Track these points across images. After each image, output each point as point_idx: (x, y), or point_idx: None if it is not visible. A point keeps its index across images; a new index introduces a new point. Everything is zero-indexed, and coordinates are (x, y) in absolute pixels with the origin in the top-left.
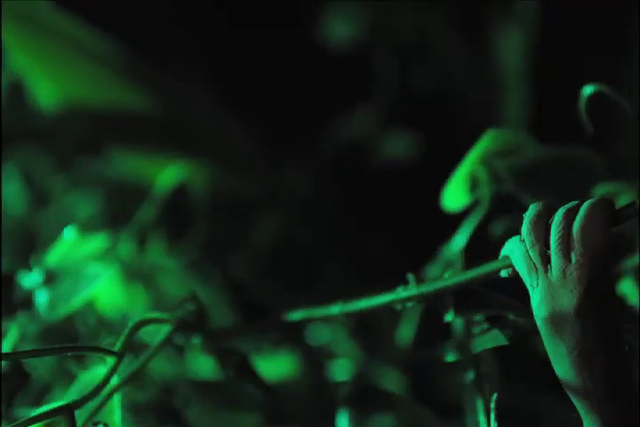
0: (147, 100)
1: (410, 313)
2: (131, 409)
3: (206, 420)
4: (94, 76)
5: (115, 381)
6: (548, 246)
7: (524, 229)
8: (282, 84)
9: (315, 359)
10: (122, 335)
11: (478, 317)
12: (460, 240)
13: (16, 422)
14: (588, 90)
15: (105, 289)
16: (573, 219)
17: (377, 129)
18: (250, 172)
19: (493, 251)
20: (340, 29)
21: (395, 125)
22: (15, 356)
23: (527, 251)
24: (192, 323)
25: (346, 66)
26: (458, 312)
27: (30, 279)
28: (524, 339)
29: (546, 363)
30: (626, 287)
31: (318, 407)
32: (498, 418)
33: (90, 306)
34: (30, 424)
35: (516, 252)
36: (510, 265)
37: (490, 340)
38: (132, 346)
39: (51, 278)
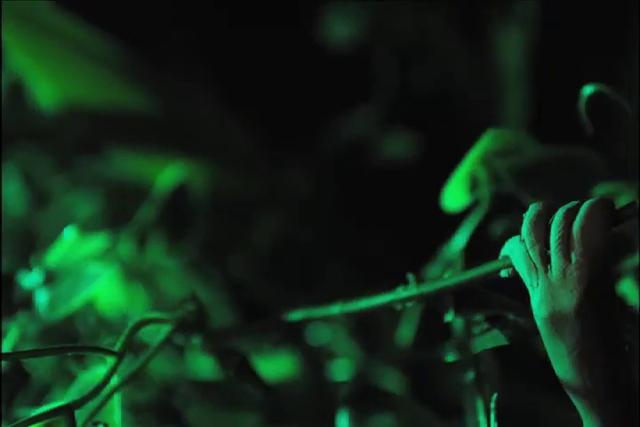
0: (147, 100)
1: (410, 313)
2: (131, 409)
3: (206, 420)
4: (94, 76)
5: (115, 381)
6: (547, 246)
7: (524, 229)
8: (282, 85)
9: (315, 359)
10: (122, 335)
11: (478, 317)
12: (459, 240)
13: (16, 423)
14: (587, 90)
15: (105, 289)
16: (573, 219)
17: (377, 129)
18: (250, 172)
19: (493, 251)
20: (340, 29)
21: (395, 125)
22: (15, 356)
23: (527, 251)
24: (192, 323)
25: (346, 66)
26: (458, 312)
27: (30, 279)
28: (525, 339)
29: (546, 363)
30: (626, 287)
31: (318, 407)
32: (498, 418)
33: (90, 306)
34: (30, 424)
35: (515, 252)
36: (510, 265)
37: (490, 340)
38: (132, 346)
39: (51, 278)
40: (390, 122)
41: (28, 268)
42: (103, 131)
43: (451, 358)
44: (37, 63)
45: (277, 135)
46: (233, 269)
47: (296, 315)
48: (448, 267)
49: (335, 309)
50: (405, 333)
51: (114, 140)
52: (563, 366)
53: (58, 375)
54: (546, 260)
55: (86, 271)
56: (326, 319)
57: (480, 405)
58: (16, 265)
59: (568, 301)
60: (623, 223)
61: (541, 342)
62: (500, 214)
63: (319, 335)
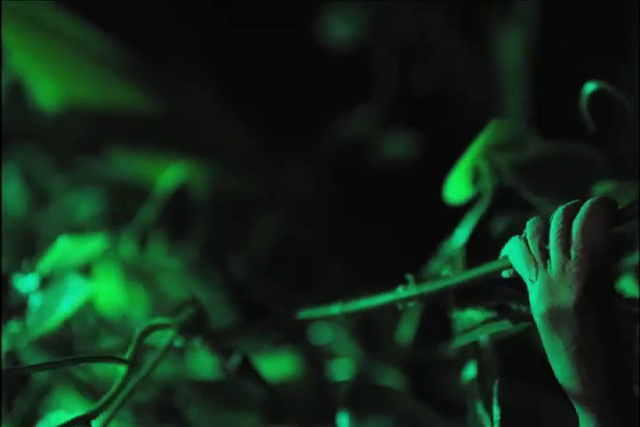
0: (147, 99)
1: (410, 313)
2: (131, 409)
3: (206, 420)
4: (94, 75)
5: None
6: (547, 241)
7: (528, 223)
8: (282, 84)
9: (315, 359)
10: (131, 343)
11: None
12: (461, 235)
13: None
14: (589, 87)
15: (105, 289)
16: (574, 215)
17: (377, 129)
18: (250, 172)
19: (495, 247)
20: (339, 29)
21: (395, 125)
22: (26, 369)
23: (527, 244)
24: (193, 325)
25: (346, 66)
26: (459, 305)
27: (25, 284)
28: (527, 327)
29: (545, 361)
30: (626, 285)
31: (318, 407)
32: (500, 417)
33: (90, 306)
34: None
35: (515, 246)
36: (510, 265)
37: (493, 326)
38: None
39: (45, 284)
40: (390, 122)
41: (24, 271)
42: (103, 131)
43: (457, 343)
44: (38, 63)
45: (277, 135)
46: (233, 269)
47: (296, 315)
48: (449, 263)
49: (335, 309)
50: (405, 332)
51: (114, 140)
52: (560, 362)
53: (57, 377)
54: (545, 254)
55: (71, 284)
56: (327, 319)
57: (481, 403)
58: (15, 266)
59: (567, 296)
60: (624, 224)
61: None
62: (501, 210)
63: (320, 335)
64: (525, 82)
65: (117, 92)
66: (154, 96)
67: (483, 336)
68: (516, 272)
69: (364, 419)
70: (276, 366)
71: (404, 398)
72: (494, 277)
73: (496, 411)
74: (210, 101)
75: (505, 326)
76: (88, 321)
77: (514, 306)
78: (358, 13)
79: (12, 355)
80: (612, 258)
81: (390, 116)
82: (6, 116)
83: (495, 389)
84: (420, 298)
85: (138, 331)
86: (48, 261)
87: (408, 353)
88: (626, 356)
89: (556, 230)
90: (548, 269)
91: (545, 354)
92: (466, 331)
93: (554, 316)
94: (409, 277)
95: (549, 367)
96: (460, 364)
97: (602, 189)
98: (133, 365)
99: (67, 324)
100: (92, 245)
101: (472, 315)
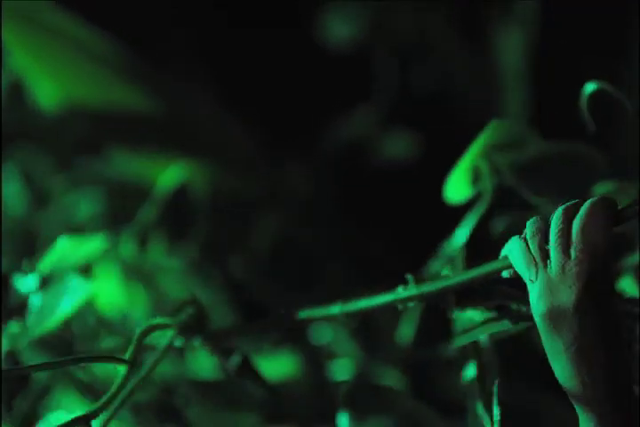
0: (147, 100)
1: (410, 313)
2: (131, 409)
3: (206, 420)
4: (94, 75)
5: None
6: (547, 241)
7: (528, 223)
8: (282, 85)
9: (315, 359)
10: (131, 343)
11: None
12: (461, 235)
13: None
14: (589, 87)
15: (105, 289)
16: (574, 215)
17: (377, 129)
18: (250, 172)
19: (495, 247)
20: (339, 29)
21: (395, 125)
22: (26, 369)
23: (527, 244)
24: (193, 325)
25: (346, 66)
26: (459, 305)
27: (25, 284)
28: (527, 327)
29: (545, 361)
30: (626, 286)
31: (318, 407)
32: (500, 417)
33: (90, 306)
34: None
35: (515, 246)
36: (510, 266)
37: (493, 326)
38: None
39: (45, 284)
40: (390, 122)
41: (24, 271)
42: (103, 131)
43: (457, 343)
44: (37, 63)
45: (277, 135)
46: (233, 269)
47: (296, 315)
48: (449, 263)
49: (335, 309)
50: (405, 332)
51: (114, 140)
52: (560, 362)
53: (57, 377)
54: (545, 254)
55: (71, 284)
56: (327, 319)
57: (481, 403)
58: (13, 267)
59: (567, 296)
60: (624, 224)
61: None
62: (501, 210)
63: (320, 335)
64: (525, 82)
65: (117, 92)
66: (154, 96)
67: (483, 336)
68: (516, 272)
69: (365, 419)
70: (276, 366)
71: (405, 399)
72: (494, 278)
73: (496, 411)
74: (210, 102)
75: (505, 326)
76: (88, 321)
77: (514, 306)
78: (358, 13)
79: (12, 355)
80: (612, 258)
81: (390, 116)
82: (6, 116)
83: (495, 389)
84: (420, 298)
85: (138, 331)
86: (48, 262)
87: (408, 353)
88: (626, 356)
89: (556, 230)
90: (548, 269)
91: (545, 354)
92: (466, 331)
93: (554, 316)
94: (409, 277)
95: (549, 367)
96: (459, 364)
97: (602, 189)
98: (133, 365)
99: (67, 324)
100: (92, 245)
101: (472, 315)
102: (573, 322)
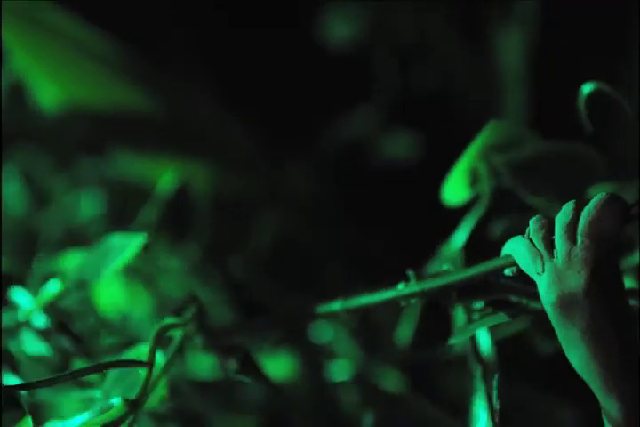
0: (147, 100)
1: (410, 312)
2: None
3: (206, 420)
4: (95, 76)
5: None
6: (551, 234)
7: (531, 221)
8: (282, 84)
9: (315, 359)
10: (147, 344)
11: (479, 304)
12: (460, 237)
13: None
14: (587, 88)
15: (106, 289)
16: (582, 209)
17: (377, 129)
18: (250, 172)
19: (494, 249)
20: (340, 29)
21: (395, 125)
22: (41, 384)
23: (531, 240)
24: (195, 324)
25: (346, 66)
26: (460, 300)
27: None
28: (527, 328)
29: (546, 361)
30: (626, 285)
31: (318, 407)
32: (500, 417)
33: (90, 306)
34: None
35: (518, 243)
36: (513, 264)
37: (492, 319)
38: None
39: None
40: (390, 122)
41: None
42: (104, 131)
43: (457, 339)
44: (38, 63)
45: (277, 135)
46: (233, 269)
47: (297, 313)
48: (448, 264)
49: (336, 305)
50: (405, 332)
51: (115, 140)
52: (577, 350)
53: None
54: (550, 245)
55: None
56: (327, 317)
57: (481, 403)
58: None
59: (576, 282)
60: (630, 221)
61: (541, 338)
62: (500, 213)
63: (320, 335)
64: (525, 82)
65: (118, 92)
66: (154, 96)
67: (483, 336)
68: (518, 270)
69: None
70: (276, 366)
71: (415, 399)
72: (496, 275)
73: (496, 411)
74: (210, 102)
75: (503, 318)
76: (88, 321)
77: (514, 299)
78: (358, 13)
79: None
80: (616, 248)
81: (390, 116)
82: (6, 116)
83: (495, 389)
84: (422, 295)
85: (153, 331)
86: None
87: (408, 353)
88: (637, 336)
89: (563, 222)
90: (555, 259)
91: (545, 354)
92: (465, 326)
93: (565, 303)
94: (410, 273)
95: (549, 367)
96: (459, 364)
97: (600, 190)
98: (152, 366)
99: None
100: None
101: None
102: (585, 307)
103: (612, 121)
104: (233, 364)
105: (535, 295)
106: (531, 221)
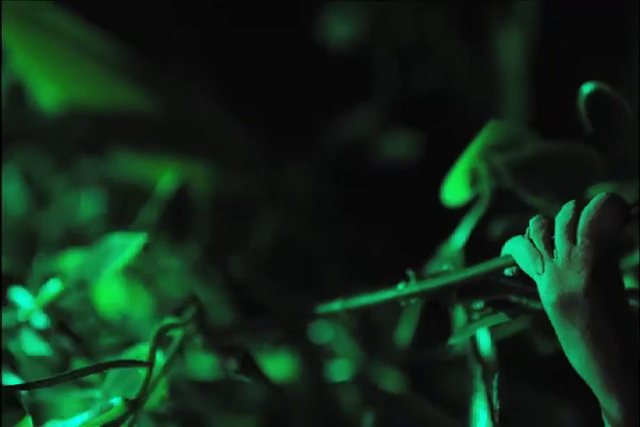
0: (147, 100)
1: (409, 312)
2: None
3: (206, 420)
4: (95, 75)
5: None
6: (552, 234)
7: (531, 221)
8: (282, 85)
9: (315, 359)
10: (147, 344)
11: (479, 304)
12: (460, 237)
13: None
14: (586, 88)
15: (106, 289)
16: (582, 209)
17: (377, 129)
18: (250, 172)
19: (494, 249)
20: (340, 29)
21: (395, 125)
22: (42, 384)
23: (531, 240)
24: (196, 324)
25: (346, 66)
26: (460, 299)
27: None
28: (527, 327)
29: (546, 361)
30: (626, 285)
31: (318, 407)
32: (500, 417)
33: (90, 306)
34: None
35: (518, 243)
36: (513, 264)
37: (492, 319)
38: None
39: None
40: (390, 122)
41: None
42: (104, 131)
43: (457, 338)
44: (38, 63)
45: (277, 135)
46: (233, 269)
47: (297, 313)
48: (448, 264)
49: (336, 305)
50: (405, 332)
51: (115, 140)
52: (577, 350)
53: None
54: (550, 245)
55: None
56: (327, 317)
57: (481, 403)
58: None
59: (576, 282)
60: (631, 222)
61: (541, 338)
62: (500, 213)
63: (320, 335)
64: (525, 82)
65: (118, 92)
66: (154, 96)
67: (483, 336)
68: (518, 270)
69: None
70: (276, 366)
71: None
72: (496, 275)
73: (496, 411)
74: (210, 102)
75: (503, 318)
76: (88, 321)
77: (514, 299)
78: (358, 13)
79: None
80: (616, 249)
81: (390, 116)
82: (6, 116)
83: (495, 389)
84: (422, 295)
85: (153, 331)
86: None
87: (408, 353)
88: (637, 336)
89: (564, 222)
90: (555, 259)
91: (545, 354)
92: (465, 326)
93: (565, 303)
94: (410, 273)
95: (549, 367)
96: (459, 364)
97: (600, 190)
98: (152, 366)
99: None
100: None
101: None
102: (585, 307)
103: (612, 121)
104: (233, 364)
105: (535, 295)
106: (531, 221)
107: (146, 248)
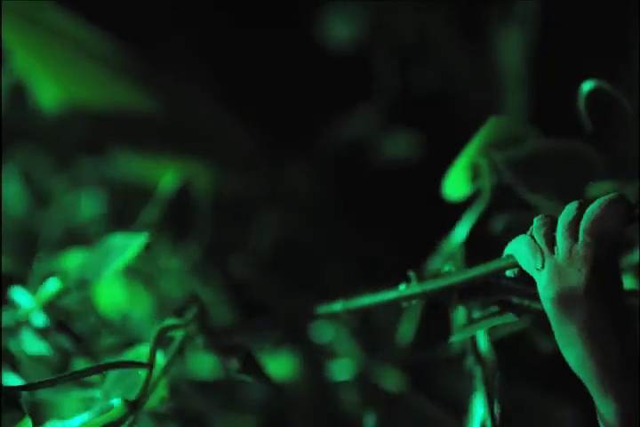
0: (147, 100)
1: (410, 312)
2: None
3: (207, 420)
4: (95, 75)
5: None
6: (554, 231)
7: (535, 219)
8: (282, 85)
9: (315, 359)
10: (147, 345)
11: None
12: (460, 233)
13: None
14: (586, 86)
15: (107, 289)
16: (585, 208)
17: (377, 129)
18: (250, 172)
19: (494, 245)
20: (340, 29)
21: (395, 125)
22: (42, 385)
23: (532, 236)
24: (197, 324)
25: (346, 66)
26: (461, 300)
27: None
28: (527, 327)
29: (546, 360)
30: (626, 285)
31: (319, 407)
32: (500, 417)
33: (91, 306)
34: None
35: (520, 242)
36: (514, 265)
37: (493, 320)
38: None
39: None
40: (390, 122)
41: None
42: (104, 131)
43: (457, 338)
44: (38, 63)
45: (278, 135)
46: (233, 269)
47: (298, 313)
48: (449, 260)
49: (337, 306)
50: (406, 332)
51: (115, 140)
52: (574, 348)
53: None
54: (551, 242)
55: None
56: (328, 318)
57: (481, 403)
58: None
59: (576, 279)
60: (634, 223)
61: (541, 339)
62: (500, 208)
63: (320, 335)
64: (525, 82)
65: (118, 92)
66: (154, 96)
67: (483, 336)
68: (520, 272)
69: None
70: (277, 365)
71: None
72: (497, 275)
73: (496, 410)
74: (210, 102)
75: (509, 319)
76: (89, 321)
77: (516, 300)
78: (358, 13)
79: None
80: (617, 248)
81: (390, 116)
82: (7, 116)
83: (495, 388)
84: (423, 296)
85: (153, 332)
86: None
87: (408, 353)
88: (636, 338)
89: (566, 220)
90: (555, 255)
91: (545, 354)
92: (466, 326)
93: (564, 300)
94: (411, 274)
95: (549, 367)
96: (459, 364)
97: (600, 189)
98: (152, 367)
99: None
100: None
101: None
102: (585, 304)
103: (612, 120)
104: (235, 363)
105: (536, 296)
106: (535, 220)
107: (147, 248)
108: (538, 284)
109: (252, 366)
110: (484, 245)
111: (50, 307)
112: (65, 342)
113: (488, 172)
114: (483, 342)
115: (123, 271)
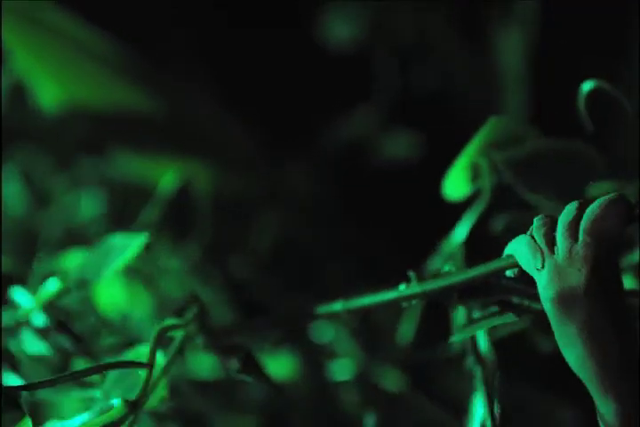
0: (147, 100)
1: (410, 312)
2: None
3: (207, 420)
4: (95, 75)
5: None
6: (554, 231)
7: (535, 219)
8: (282, 85)
9: (315, 359)
10: (147, 345)
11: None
12: (460, 233)
13: None
14: (586, 86)
15: (107, 289)
16: (585, 209)
17: (377, 129)
18: (250, 172)
19: (494, 245)
20: (340, 29)
21: (395, 125)
22: (42, 385)
23: (532, 235)
24: (197, 324)
25: (346, 66)
26: (461, 300)
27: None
28: (527, 327)
29: (546, 360)
30: (626, 285)
31: (319, 407)
32: (500, 417)
33: (91, 306)
34: None
35: (521, 242)
36: (514, 265)
37: (493, 320)
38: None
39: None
40: (390, 122)
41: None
42: (104, 131)
43: (457, 338)
44: (38, 63)
45: (277, 135)
46: (233, 269)
47: (298, 313)
48: (449, 260)
49: (338, 305)
50: (406, 332)
51: (115, 140)
52: (574, 348)
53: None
54: (551, 242)
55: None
56: (328, 318)
57: (481, 403)
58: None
59: (576, 279)
60: (634, 223)
61: (541, 339)
62: (501, 208)
63: (320, 335)
64: (525, 82)
65: (118, 92)
66: (154, 96)
67: (483, 336)
68: (520, 272)
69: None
70: (277, 365)
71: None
72: (497, 275)
73: (496, 410)
74: (210, 102)
75: (508, 319)
76: (89, 321)
77: (516, 300)
78: (358, 13)
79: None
80: (617, 248)
81: (390, 116)
82: (7, 116)
83: (495, 388)
84: (423, 296)
85: (153, 332)
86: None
87: (408, 353)
88: (636, 338)
89: (566, 220)
90: (555, 255)
91: (545, 354)
92: (466, 326)
93: (564, 300)
94: (411, 274)
95: (549, 367)
96: (459, 364)
97: (600, 189)
98: (152, 367)
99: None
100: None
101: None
102: (585, 304)
103: (612, 120)
104: (235, 363)
105: (536, 296)
106: (535, 220)
107: (147, 248)
108: (538, 284)
109: (252, 366)
110: (484, 245)
111: (50, 307)
112: (65, 342)
113: (488, 172)
114: (483, 342)
115: (123, 271)
